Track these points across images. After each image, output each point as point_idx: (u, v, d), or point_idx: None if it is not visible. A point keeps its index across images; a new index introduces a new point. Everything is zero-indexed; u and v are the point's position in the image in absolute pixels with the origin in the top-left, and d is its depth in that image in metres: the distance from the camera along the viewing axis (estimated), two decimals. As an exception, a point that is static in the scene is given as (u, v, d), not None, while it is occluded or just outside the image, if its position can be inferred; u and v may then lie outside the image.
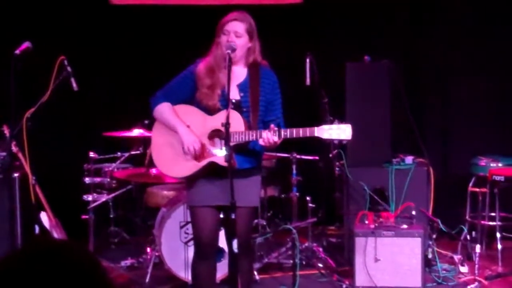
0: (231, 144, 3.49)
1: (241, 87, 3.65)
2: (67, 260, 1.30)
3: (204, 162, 3.61)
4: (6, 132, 4.63)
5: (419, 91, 6.37)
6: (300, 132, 3.49)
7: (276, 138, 3.46)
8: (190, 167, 3.63)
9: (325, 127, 3.50)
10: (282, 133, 3.47)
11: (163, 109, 3.67)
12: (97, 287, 1.31)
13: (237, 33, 3.58)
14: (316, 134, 3.49)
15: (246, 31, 3.60)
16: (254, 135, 3.52)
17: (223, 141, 3.53)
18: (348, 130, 3.51)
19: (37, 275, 1.26)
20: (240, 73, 3.66)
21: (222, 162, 3.45)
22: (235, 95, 3.60)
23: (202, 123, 3.63)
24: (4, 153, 4.57)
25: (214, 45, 3.65)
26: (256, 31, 3.65)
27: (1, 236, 4.38)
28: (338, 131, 3.51)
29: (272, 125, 3.50)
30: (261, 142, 3.50)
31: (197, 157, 3.61)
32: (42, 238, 1.38)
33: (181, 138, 3.62)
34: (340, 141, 3.56)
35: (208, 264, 3.77)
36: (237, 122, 3.53)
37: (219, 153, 3.59)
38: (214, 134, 3.63)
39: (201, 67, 3.65)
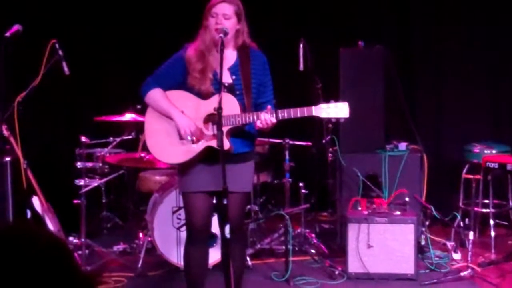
0: (228, 127, 3.47)
1: (232, 70, 3.62)
2: (30, 244, 1.29)
3: (200, 147, 3.58)
4: (-3, 116, 4.59)
5: (413, 77, 6.35)
6: (298, 112, 3.47)
7: (273, 119, 3.45)
8: (186, 153, 3.60)
9: (322, 106, 3.50)
10: (280, 113, 3.46)
11: (155, 95, 3.64)
12: (61, 270, 1.30)
13: (225, 15, 3.54)
14: (314, 114, 3.49)
15: (235, 13, 3.56)
16: (251, 117, 3.50)
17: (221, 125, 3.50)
18: (345, 108, 3.51)
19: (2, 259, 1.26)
20: (230, 56, 3.62)
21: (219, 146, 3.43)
22: (227, 78, 3.57)
23: (196, 108, 3.60)
24: (-5, 137, 4.53)
25: (202, 29, 3.61)
26: (244, 13, 3.62)
27: (-8, 220, 4.35)
28: (336, 110, 3.51)
29: (269, 106, 3.49)
30: (258, 124, 3.48)
31: (194, 140, 3.58)
32: (13, 224, 1.37)
33: (176, 123, 3.59)
34: (338, 119, 3.55)
35: (200, 249, 3.75)
36: (232, 105, 3.50)
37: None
38: (209, 119, 3.60)
39: (190, 51, 3.61)
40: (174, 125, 3.62)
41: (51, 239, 1.33)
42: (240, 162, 3.61)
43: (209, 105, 3.52)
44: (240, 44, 3.63)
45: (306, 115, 3.49)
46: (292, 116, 3.48)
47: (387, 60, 5.42)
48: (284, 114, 3.47)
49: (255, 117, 3.49)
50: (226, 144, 3.50)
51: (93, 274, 1.33)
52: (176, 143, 3.62)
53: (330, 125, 5.48)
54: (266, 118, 3.44)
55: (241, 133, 3.62)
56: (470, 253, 4.79)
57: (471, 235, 4.84)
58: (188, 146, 3.60)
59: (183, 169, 3.68)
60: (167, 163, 3.92)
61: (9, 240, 1.30)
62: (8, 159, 4.82)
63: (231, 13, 3.55)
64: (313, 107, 3.49)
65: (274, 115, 3.45)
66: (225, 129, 3.47)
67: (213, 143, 3.52)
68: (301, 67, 5.29)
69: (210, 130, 3.59)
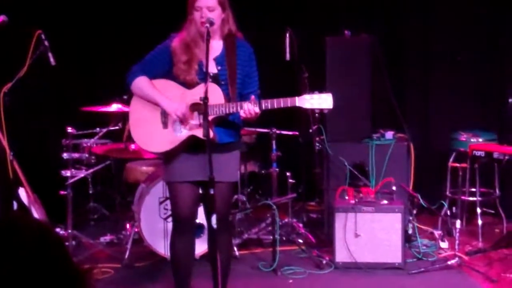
0: (212, 117, 3.47)
1: (218, 60, 3.61)
2: (20, 233, 1.29)
3: (184, 136, 3.58)
4: (-18, 107, 4.56)
5: (400, 66, 6.35)
6: (281, 102, 3.48)
7: (257, 109, 3.45)
8: (170, 142, 3.60)
9: (306, 96, 3.50)
10: (263, 104, 3.46)
11: (141, 83, 3.63)
12: (54, 260, 1.29)
13: (209, 8, 3.53)
14: (297, 104, 3.49)
15: (218, 3, 3.55)
16: (235, 107, 3.49)
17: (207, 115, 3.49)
18: (329, 99, 3.52)
19: None
20: (216, 46, 3.61)
21: (202, 136, 3.42)
22: (212, 68, 3.57)
23: (181, 97, 3.59)
24: (-20, 129, 4.50)
25: (187, 22, 3.61)
26: (227, 1, 3.60)
27: (-22, 212, 4.33)
28: (320, 101, 3.52)
29: (252, 97, 3.49)
30: (242, 113, 3.48)
31: (183, 126, 3.56)
32: (11, 215, 1.36)
33: (164, 108, 3.58)
34: (321, 110, 3.57)
35: (187, 240, 3.75)
36: (216, 95, 3.50)
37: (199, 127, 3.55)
38: (193, 108, 3.59)
39: (176, 42, 3.60)
40: (158, 113, 3.62)
41: (42, 228, 1.32)
42: (225, 151, 3.61)
43: (194, 94, 3.51)
44: (226, 33, 3.62)
45: (289, 105, 3.50)
46: (275, 107, 3.48)
47: (374, 49, 5.42)
48: (267, 104, 3.47)
49: (238, 107, 3.49)
50: (210, 134, 3.49)
51: (86, 268, 1.32)
52: (160, 132, 3.62)
53: (317, 115, 5.48)
54: (249, 108, 3.44)
55: (225, 123, 3.62)
56: (457, 241, 4.81)
57: (458, 223, 4.86)
58: (171, 135, 3.60)
59: (168, 158, 3.67)
60: (151, 152, 3.90)
61: (6, 231, 1.29)
62: (-7, 150, 4.80)
63: (214, 4, 3.54)
64: (297, 98, 3.49)
65: (258, 105, 3.46)
66: (209, 118, 3.46)
67: (197, 133, 3.51)
68: (288, 56, 5.28)
69: (196, 119, 3.59)
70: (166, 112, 3.60)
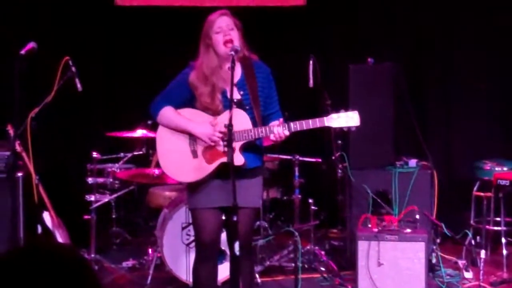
0: (241, 142, 3.51)
1: (239, 85, 3.62)
2: (57, 263, 1.30)
3: (215, 164, 3.58)
4: (11, 131, 4.64)
5: (422, 93, 6.34)
6: (310, 123, 3.50)
7: (287, 132, 3.48)
8: (201, 170, 3.59)
9: (333, 115, 3.54)
10: (292, 126, 3.48)
11: (168, 113, 3.63)
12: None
13: (228, 26, 3.55)
14: (326, 124, 3.53)
15: (235, 25, 3.58)
16: (264, 131, 3.51)
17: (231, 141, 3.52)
18: (356, 116, 3.55)
19: (26, 276, 1.27)
20: (235, 71, 3.63)
21: (235, 162, 3.45)
22: (235, 94, 3.57)
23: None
24: (8, 153, 4.57)
25: (203, 49, 3.60)
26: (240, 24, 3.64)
27: (3, 235, 4.37)
28: (347, 119, 3.55)
29: (281, 119, 3.52)
30: (272, 137, 3.49)
31: (224, 139, 3.54)
32: (38, 240, 1.38)
33: (196, 134, 3.57)
34: (349, 128, 3.59)
35: (210, 266, 3.74)
36: (243, 120, 3.53)
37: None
38: (222, 135, 3.61)
39: (193, 76, 3.60)
40: (186, 143, 3.63)
41: (76, 256, 1.34)
42: (250, 177, 3.62)
43: (220, 121, 3.54)
44: (241, 57, 3.62)
45: (318, 126, 3.52)
46: (304, 128, 3.50)
47: (398, 76, 5.42)
48: (296, 126, 3.49)
49: (267, 131, 3.50)
50: (241, 160, 3.52)
51: None
52: (190, 161, 3.62)
53: (339, 141, 5.49)
54: (279, 131, 3.46)
55: (251, 147, 3.63)
56: (482, 271, 4.75)
57: (482, 253, 4.80)
58: (202, 163, 3.60)
59: (192, 185, 3.68)
60: (184, 182, 3.85)
61: (36, 257, 1.31)
62: (20, 174, 4.87)
63: (232, 24, 3.57)
64: (325, 118, 3.53)
65: (287, 127, 3.47)
66: (238, 144, 3.50)
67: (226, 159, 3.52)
68: (311, 83, 5.30)
69: (222, 146, 3.60)
70: (196, 139, 3.60)
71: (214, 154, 3.60)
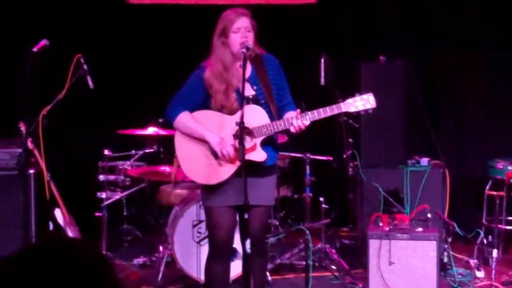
0: (262, 138, 3.52)
1: (251, 80, 3.62)
2: (76, 258, 1.30)
3: (238, 163, 3.54)
4: (23, 129, 4.66)
5: (434, 92, 6.31)
6: (328, 110, 3.50)
7: (306, 122, 3.47)
8: (227, 170, 3.59)
9: (349, 100, 3.57)
10: (310, 115, 3.48)
11: (185, 119, 3.62)
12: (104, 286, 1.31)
13: (247, 28, 3.55)
14: (343, 109, 3.54)
15: (252, 26, 3.58)
16: (283, 124, 3.51)
17: (250, 137, 3.53)
18: (371, 98, 3.58)
19: (44, 272, 1.27)
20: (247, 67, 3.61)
21: (258, 158, 3.44)
22: (249, 90, 3.58)
23: (224, 125, 3.60)
24: (20, 150, 4.59)
25: (219, 45, 3.58)
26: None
27: (15, 232, 4.40)
28: (363, 102, 3.57)
29: (298, 110, 3.53)
30: (292, 129, 3.50)
31: (232, 159, 3.56)
32: (54, 236, 1.38)
33: (211, 145, 3.57)
34: (366, 111, 3.58)
35: (223, 265, 3.74)
36: (260, 116, 3.53)
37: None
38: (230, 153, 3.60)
39: (208, 73, 3.60)
40: (206, 146, 3.62)
41: (96, 253, 1.34)
42: (265, 175, 3.63)
43: (236, 120, 3.53)
44: (253, 56, 3.63)
45: (336, 112, 3.53)
46: (322, 116, 3.51)
47: (410, 75, 5.40)
48: (314, 115, 3.50)
49: (286, 124, 3.50)
50: (263, 155, 3.53)
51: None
52: (213, 163, 3.61)
53: (351, 140, 5.47)
54: (299, 123, 3.46)
55: (268, 145, 3.63)
56: (493, 271, 4.73)
57: (494, 252, 4.77)
58: (225, 163, 3.60)
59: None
60: (210, 184, 3.74)
61: (56, 253, 1.31)
62: (32, 171, 4.88)
63: (250, 26, 3.57)
64: (342, 103, 3.55)
65: (305, 117, 3.46)
66: (258, 140, 3.50)
67: (251, 157, 3.52)
68: (322, 81, 5.29)
69: (246, 143, 3.56)
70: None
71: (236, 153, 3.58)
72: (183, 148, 3.68)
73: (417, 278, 4.66)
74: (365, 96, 3.58)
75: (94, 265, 1.32)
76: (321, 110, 3.50)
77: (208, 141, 3.58)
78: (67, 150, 6.20)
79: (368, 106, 3.58)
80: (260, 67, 3.63)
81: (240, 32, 3.54)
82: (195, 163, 3.64)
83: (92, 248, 1.35)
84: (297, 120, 3.47)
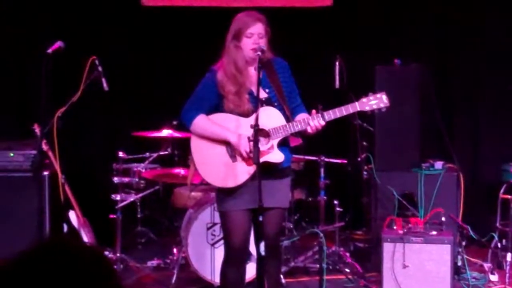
0: (278, 139, 3.54)
1: (263, 83, 3.61)
2: (75, 260, 1.31)
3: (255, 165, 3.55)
4: (37, 130, 4.69)
5: (449, 95, 6.28)
6: (343, 110, 3.53)
7: (322, 122, 3.50)
8: (244, 173, 3.58)
9: (363, 100, 3.61)
10: (326, 115, 3.50)
11: (203, 122, 3.62)
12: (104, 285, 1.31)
13: (260, 34, 3.56)
14: (358, 109, 3.58)
15: (266, 32, 3.59)
16: (299, 124, 3.52)
17: (267, 139, 3.54)
18: (384, 97, 3.62)
19: (46, 274, 1.27)
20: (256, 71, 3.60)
21: (276, 159, 3.45)
22: (262, 93, 3.57)
23: (241, 127, 3.60)
24: (34, 152, 4.62)
25: (233, 47, 3.59)
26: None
27: (29, 234, 4.41)
28: (376, 101, 3.61)
29: (313, 111, 3.54)
30: (309, 130, 3.52)
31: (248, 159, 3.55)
32: (53, 240, 1.39)
33: (234, 145, 3.56)
34: (380, 109, 3.61)
35: (238, 269, 3.73)
36: (276, 117, 3.55)
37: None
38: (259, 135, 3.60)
39: (221, 75, 3.61)
40: (223, 148, 3.61)
41: (94, 253, 1.35)
42: (280, 177, 3.63)
43: (251, 122, 3.53)
44: (265, 60, 3.62)
45: (351, 112, 3.57)
46: (338, 115, 3.53)
47: (425, 78, 5.38)
48: (330, 115, 3.52)
49: (303, 124, 3.51)
50: (281, 156, 3.56)
51: None
52: (231, 166, 3.61)
53: (365, 143, 5.46)
54: (315, 123, 3.47)
55: (283, 147, 3.63)
56: (507, 274, 4.71)
57: (509, 256, 4.76)
58: (242, 166, 3.59)
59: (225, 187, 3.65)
60: (229, 188, 3.72)
61: (52, 254, 1.32)
62: (46, 173, 4.92)
63: (264, 32, 3.58)
64: (356, 103, 3.59)
65: (321, 117, 3.48)
66: (275, 141, 3.52)
67: (268, 158, 3.54)
68: (337, 84, 5.29)
69: (262, 145, 3.58)
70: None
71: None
72: (200, 151, 3.67)
73: (431, 281, 4.64)
74: (378, 95, 3.63)
75: (95, 268, 1.32)
76: (336, 110, 3.53)
77: (230, 141, 3.58)
78: (81, 152, 6.23)
79: (382, 105, 3.62)
80: (271, 70, 3.65)
81: (253, 38, 3.54)
82: (212, 166, 3.64)
83: (94, 251, 1.35)
84: (313, 120, 3.48)
